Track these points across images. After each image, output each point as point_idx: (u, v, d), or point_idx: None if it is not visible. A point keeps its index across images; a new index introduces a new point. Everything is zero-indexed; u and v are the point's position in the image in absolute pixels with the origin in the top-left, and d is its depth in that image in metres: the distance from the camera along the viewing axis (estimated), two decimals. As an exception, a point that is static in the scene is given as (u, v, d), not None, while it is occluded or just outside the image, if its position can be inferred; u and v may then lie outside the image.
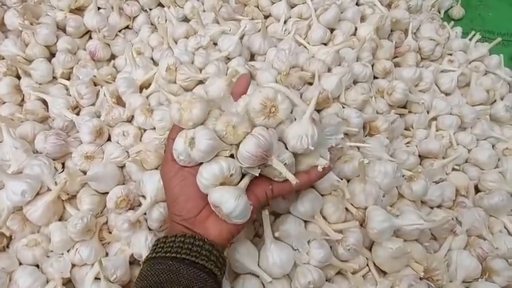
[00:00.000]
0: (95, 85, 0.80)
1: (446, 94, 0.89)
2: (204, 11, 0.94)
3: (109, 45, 0.88)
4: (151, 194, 0.61)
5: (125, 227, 0.61)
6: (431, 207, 0.71)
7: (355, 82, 0.81)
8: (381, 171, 0.64)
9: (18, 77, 0.81)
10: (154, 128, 0.71)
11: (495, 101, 0.87)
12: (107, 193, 0.65)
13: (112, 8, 0.92)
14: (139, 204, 0.66)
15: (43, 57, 0.82)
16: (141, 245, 0.59)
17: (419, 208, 0.69)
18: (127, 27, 0.94)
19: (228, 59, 0.82)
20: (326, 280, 0.59)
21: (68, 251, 0.60)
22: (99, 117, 0.75)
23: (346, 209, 0.62)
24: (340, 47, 0.82)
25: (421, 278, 0.58)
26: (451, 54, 0.95)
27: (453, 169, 0.78)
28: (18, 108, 0.78)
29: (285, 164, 0.48)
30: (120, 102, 0.76)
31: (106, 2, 0.93)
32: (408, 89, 0.80)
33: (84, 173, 0.67)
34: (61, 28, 0.88)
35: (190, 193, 0.49)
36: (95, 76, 0.80)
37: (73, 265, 0.60)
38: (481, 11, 1.12)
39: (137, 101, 0.73)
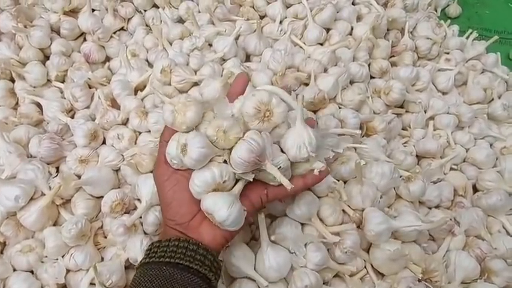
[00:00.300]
0: (90, 88, 0.79)
1: (444, 93, 0.88)
2: (199, 11, 0.93)
3: (103, 47, 0.88)
4: (147, 197, 0.60)
5: (120, 232, 0.60)
6: (430, 208, 0.71)
7: (351, 82, 0.80)
8: (378, 172, 0.63)
9: (12, 80, 0.81)
10: (149, 131, 0.70)
11: (492, 99, 0.87)
12: (102, 197, 0.64)
13: (106, 9, 0.91)
14: (135, 208, 0.65)
15: (37, 60, 0.81)
16: (137, 249, 0.58)
17: (417, 209, 0.68)
18: (122, 28, 0.93)
19: (223, 60, 0.82)
20: (323, 283, 0.58)
21: (62, 257, 0.59)
22: (94, 120, 0.75)
23: (344, 211, 0.62)
24: (336, 47, 0.81)
25: (419, 280, 0.58)
26: (448, 53, 0.95)
27: (451, 169, 0.77)
28: (13, 112, 0.77)
29: (280, 167, 0.47)
30: (114, 104, 0.76)
31: (100, 4, 0.92)
32: (405, 89, 0.79)
33: (79, 177, 0.67)
34: (55, 30, 0.87)
35: (184, 198, 0.49)
36: (89, 79, 0.79)
37: (68, 270, 0.59)
38: (477, 8, 1.12)
39: (132, 103, 0.73)
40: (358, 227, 0.61)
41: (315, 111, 0.74)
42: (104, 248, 0.63)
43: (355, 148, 0.69)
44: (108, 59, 0.89)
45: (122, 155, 0.69)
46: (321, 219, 0.60)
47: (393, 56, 0.91)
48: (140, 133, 0.72)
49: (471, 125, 0.82)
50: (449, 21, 1.03)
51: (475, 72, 0.91)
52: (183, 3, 0.93)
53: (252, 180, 0.47)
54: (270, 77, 0.76)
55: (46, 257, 0.60)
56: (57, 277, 0.58)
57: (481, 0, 1.13)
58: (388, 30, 0.92)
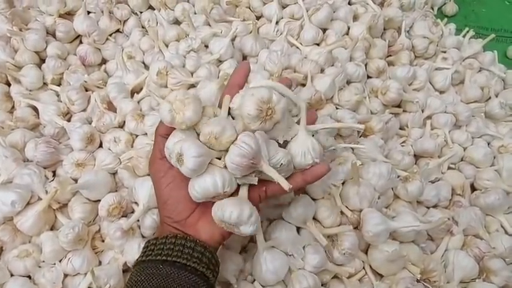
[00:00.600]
0: (86, 90, 0.79)
1: (441, 92, 0.88)
2: (195, 13, 0.93)
3: (99, 49, 0.87)
4: (144, 200, 0.60)
5: (118, 235, 0.60)
6: (428, 207, 0.70)
7: (348, 82, 0.80)
8: (376, 172, 0.63)
9: (8, 84, 0.80)
10: (146, 134, 0.70)
11: (490, 98, 0.87)
12: (99, 201, 0.64)
13: (102, 11, 0.91)
14: (132, 211, 0.65)
15: (33, 63, 0.81)
16: (135, 252, 0.58)
17: (415, 209, 0.68)
18: (117, 30, 0.93)
19: (220, 61, 0.81)
20: (322, 285, 0.58)
21: (60, 261, 0.59)
22: (90, 123, 0.75)
23: (341, 212, 0.62)
24: (333, 47, 0.81)
25: (418, 280, 0.58)
26: (444, 52, 0.94)
27: (449, 168, 0.77)
28: (9, 116, 0.77)
29: (281, 164, 0.45)
30: (111, 107, 0.75)
31: (96, 6, 0.92)
32: (402, 88, 0.79)
33: (76, 180, 0.67)
34: (50, 33, 0.87)
35: (180, 195, 0.47)
36: (85, 81, 0.79)
37: (65, 275, 0.59)
38: (474, 7, 1.12)
39: (128, 106, 0.72)
40: (356, 228, 0.60)
41: (312, 112, 0.74)
42: (102, 252, 0.63)
43: (352, 149, 0.69)
44: (104, 61, 0.89)
45: (119, 158, 0.69)
46: (319, 221, 0.60)
47: (390, 55, 0.91)
48: (137, 136, 0.71)
49: (468, 123, 0.82)
50: (445, 19, 1.03)
51: (472, 71, 0.90)
52: (179, 5, 0.92)
53: (256, 183, 0.45)
54: (267, 78, 0.76)
55: (43, 261, 0.60)
56: (54, 282, 0.58)
57: (477, -2, 1.13)
58: (384, 29, 0.92)
